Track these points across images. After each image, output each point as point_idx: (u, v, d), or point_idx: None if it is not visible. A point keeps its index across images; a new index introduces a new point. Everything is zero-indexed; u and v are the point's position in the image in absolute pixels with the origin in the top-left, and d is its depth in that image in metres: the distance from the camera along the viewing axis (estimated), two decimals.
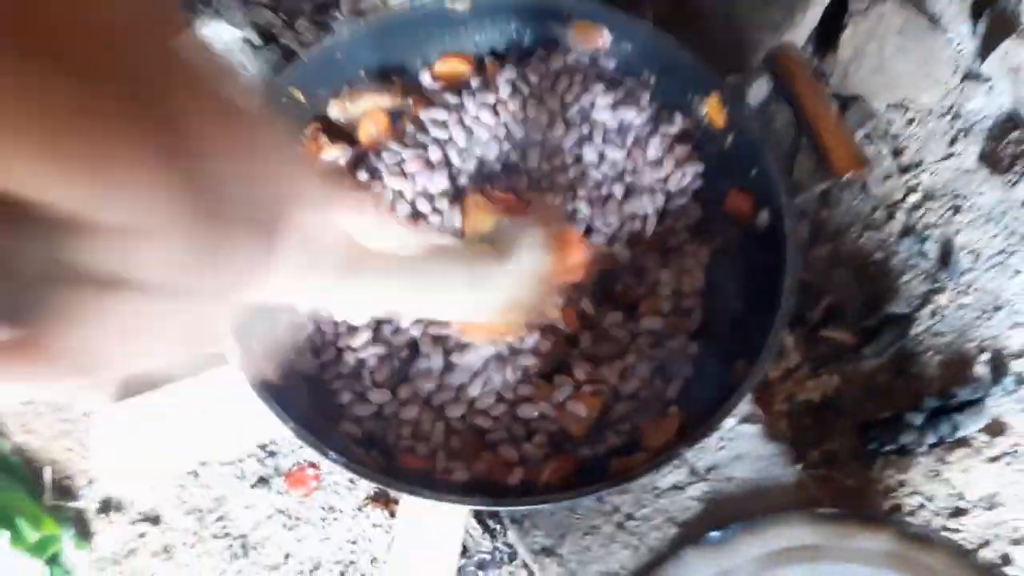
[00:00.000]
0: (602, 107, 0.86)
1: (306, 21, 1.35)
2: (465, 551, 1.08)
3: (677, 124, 0.87)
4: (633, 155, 0.86)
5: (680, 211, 0.88)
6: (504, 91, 0.86)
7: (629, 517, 0.83)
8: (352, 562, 1.12)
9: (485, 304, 0.56)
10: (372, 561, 1.11)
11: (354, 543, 1.13)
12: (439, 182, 0.85)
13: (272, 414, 0.72)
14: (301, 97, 0.86)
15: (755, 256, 0.83)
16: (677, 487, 0.83)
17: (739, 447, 0.84)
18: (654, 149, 0.86)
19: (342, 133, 0.89)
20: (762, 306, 0.78)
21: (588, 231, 0.87)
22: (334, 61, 0.87)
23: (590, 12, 0.87)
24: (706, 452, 0.84)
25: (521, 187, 0.87)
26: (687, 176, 0.87)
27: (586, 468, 0.78)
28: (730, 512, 0.82)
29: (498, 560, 1.07)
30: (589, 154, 0.87)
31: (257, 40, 0.94)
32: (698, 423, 0.74)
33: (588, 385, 0.80)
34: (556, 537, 0.83)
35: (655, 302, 0.85)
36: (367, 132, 0.89)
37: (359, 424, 0.82)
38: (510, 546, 1.06)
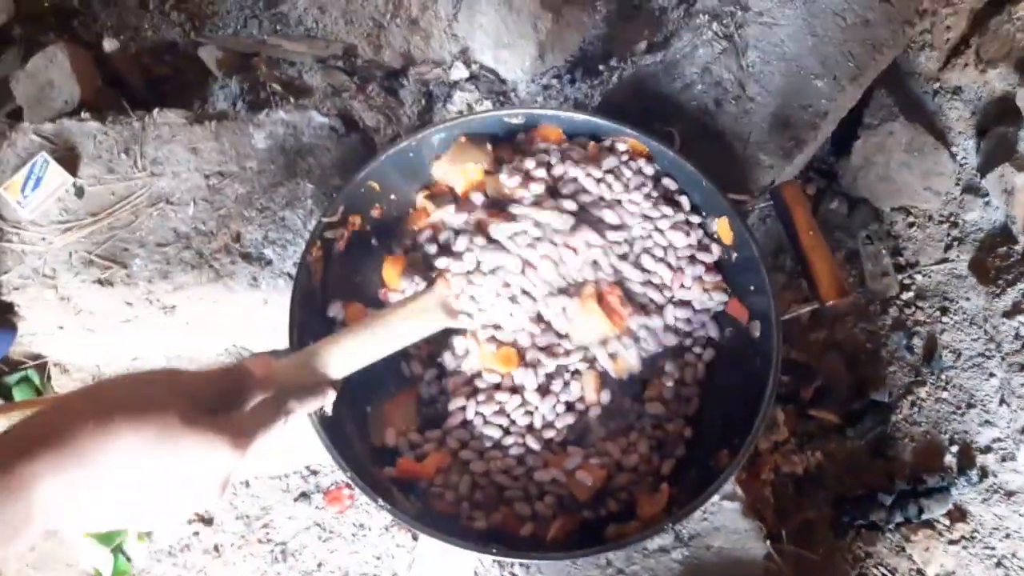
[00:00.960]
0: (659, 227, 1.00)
1: (377, 86, 1.51)
2: None
3: (715, 254, 1.01)
4: (675, 275, 1.00)
5: (699, 325, 1.02)
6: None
7: (620, 572, 0.97)
8: (376, 575, 1.28)
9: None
10: None
11: (379, 559, 1.29)
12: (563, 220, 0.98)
13: (332, 460, 0.87)
14: (376, 187, 1.01)
15: (747, 359, 0.97)
16: (663, 550, 0.97)
17: (720, 520, 0.99)
18: (691, 274, 1.00)
19: (443, 196, 1.04)
20: (748, 404, 0.92)
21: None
22: (407, 159, 1.02)
23: (625, 135, 1.02)
24: (691, 522, 0.99)
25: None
26: (713, 300, 1.01)
27: (587, 528, 0.92)
28: None
29: None
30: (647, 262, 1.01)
31: (341, 128, 1.10)
32: (685, 500, 0.89)
33: (595, 457, 0.95)
34: None
35: (660, 388, 0.99)
36: (466, 182, 1.03)
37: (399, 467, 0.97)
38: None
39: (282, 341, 0.93)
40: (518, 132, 1.08)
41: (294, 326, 0.92)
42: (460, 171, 1.04)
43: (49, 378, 1.31)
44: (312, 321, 0.96)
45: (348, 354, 0.81)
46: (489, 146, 1.05)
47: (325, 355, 0.79)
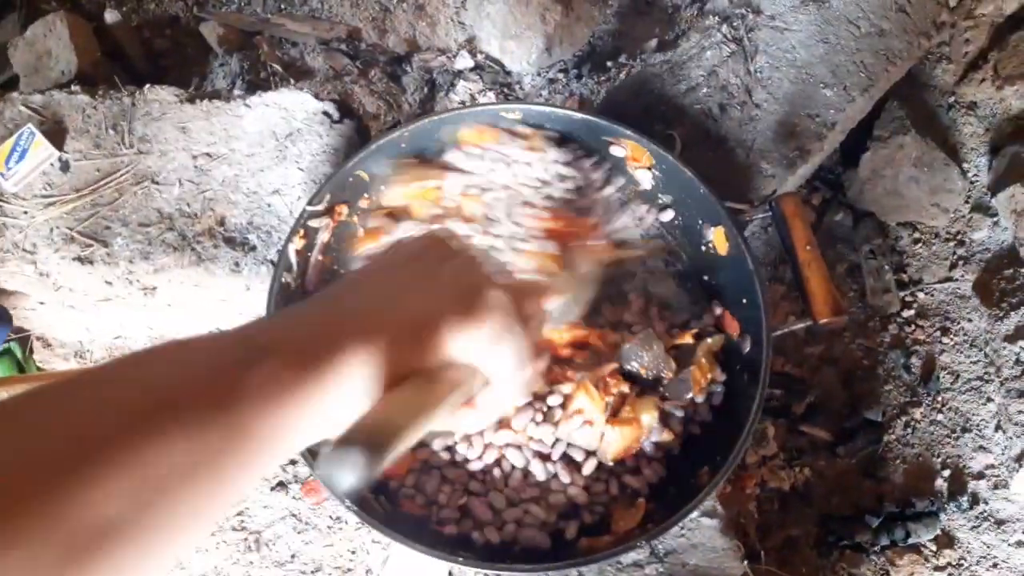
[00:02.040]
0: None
1: (379, 72, 1.49)
2: None
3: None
4: None
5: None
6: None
7: None
8: (350, 570, 1.26)
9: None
10: (367, 572, 1.25)
11: (354, 553, 1.27)
12: None
13: (300, 455, 0.85)
14: (365, 177, 0.99)
15: (735, 374, 0.95)
16: (637, 564, 0.95)
17: (697, 537, 0.96)
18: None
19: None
20: (733, 422, 0.90)
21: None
22: (398, 149, 1.00)
23: (623, 136, 0.99)
24: (667, 537, 0.96)
25: None
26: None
27: (558, 539, 0.91)
28: None
29: None
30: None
31: (335, 114, 1.07)
32: (662, 517, 0.86)
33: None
34: None
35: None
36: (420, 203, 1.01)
37: None
38: None
39: None
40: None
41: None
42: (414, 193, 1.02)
43: (31, 352, 1.29)
44: None
45: None
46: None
47: None
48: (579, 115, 1.02)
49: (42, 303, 1.13)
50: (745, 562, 0.95)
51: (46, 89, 1.17)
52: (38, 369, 1.29)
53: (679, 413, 0.93)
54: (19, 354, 1.28)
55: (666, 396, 0.92)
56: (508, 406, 0.63)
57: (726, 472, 0.85)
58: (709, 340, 0.96)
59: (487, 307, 0.50)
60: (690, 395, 0.91)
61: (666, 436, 0.92)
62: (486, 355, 0.51)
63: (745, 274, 0.95)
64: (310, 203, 0.95)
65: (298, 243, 0.94)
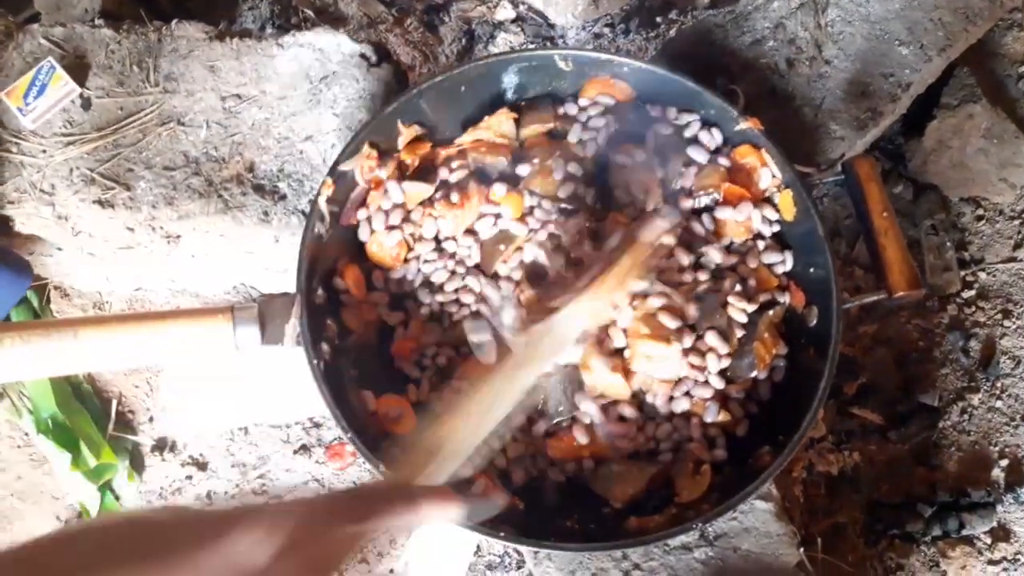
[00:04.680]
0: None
1: (415, 20, 1.41)
2: (478, 549, 1.16)
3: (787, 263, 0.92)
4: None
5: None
6: None
7: (636, 567, 0.89)
8: (372, 540, 1.21)
9: None
10: (391, 542, 1.20)
11: None
12: None
13: (332, 417, 0.80)
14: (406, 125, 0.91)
15: (799, 348, 0.88)
16: (686, 547, 0.89)
17: (750, 521, 0.90)
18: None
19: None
20: (796, 399, 0.84)
21: None
22: (442, 95, 0.92)
23: (685, 88, 0.91)
24: (718, 520, 0.90)
25: None
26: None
27: (604, 517, 0.85)
28: None
29: (506, 564, 1.15)
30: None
31: (373, 57, 1.00)
32: (718, 498, 0.80)
33: None
34: (567, 572, 0.91)
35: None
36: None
37: None
38: (519, 553, 1.14)
39: (292, 284, 0.85)
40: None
41: (302, 271, 0.84)
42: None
43: (49, 301, 1.24)
44: (322, 268, 0.88)
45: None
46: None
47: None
48: (638, 64, 0.94)
49: (60, 249, 1.08)
50: (801, 549, 0.89)
51: (68, 23, 1.11)
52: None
53: (738, 394, 0.87)
54: (36, 303, 1.23)
55: (729, 376, 0.85)
56: None
57: (791, 453, 0.78)
58: (770, 312, 0.89)
59: None
60: (755, 373, 0.84)
61: (723, 417, 0.85)
62: None
63: (814, 241, 0.88)
64: (344, 151, 0.88)
65: (330, 193, 0.87)
